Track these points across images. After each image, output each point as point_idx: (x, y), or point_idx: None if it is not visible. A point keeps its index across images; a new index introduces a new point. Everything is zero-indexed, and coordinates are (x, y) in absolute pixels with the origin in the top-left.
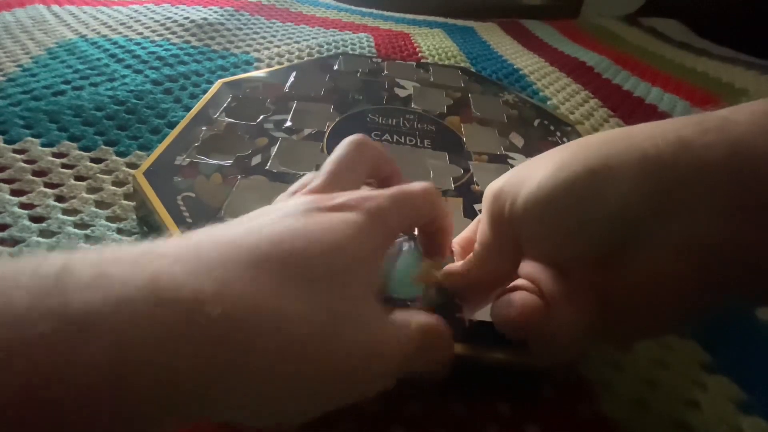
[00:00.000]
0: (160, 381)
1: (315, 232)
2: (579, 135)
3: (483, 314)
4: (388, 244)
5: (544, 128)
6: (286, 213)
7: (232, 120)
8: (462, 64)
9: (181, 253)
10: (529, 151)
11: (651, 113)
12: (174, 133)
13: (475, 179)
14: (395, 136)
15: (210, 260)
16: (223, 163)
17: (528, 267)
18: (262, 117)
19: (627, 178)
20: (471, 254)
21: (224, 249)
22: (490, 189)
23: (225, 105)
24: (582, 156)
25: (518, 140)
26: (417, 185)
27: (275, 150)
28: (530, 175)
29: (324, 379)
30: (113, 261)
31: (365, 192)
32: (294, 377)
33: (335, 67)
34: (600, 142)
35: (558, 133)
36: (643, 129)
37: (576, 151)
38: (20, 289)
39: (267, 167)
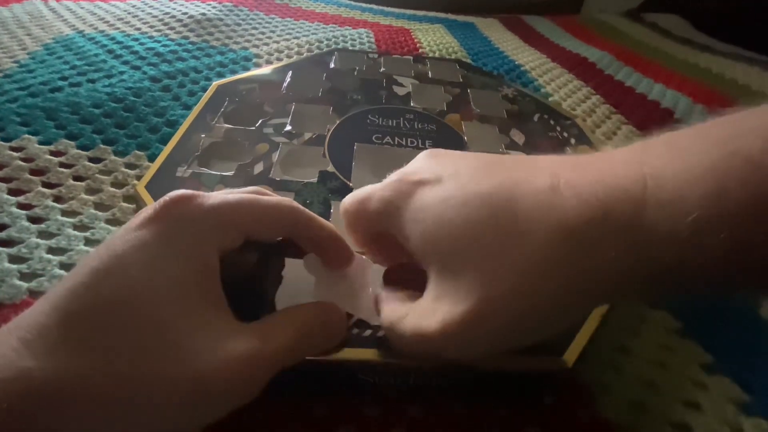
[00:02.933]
0: None
1: (106, 271)
2: (579, 128)
3: None
4: (204, 257)
5: (545, 123)
6: (93, 254)
7: (231, 126)
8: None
9: None
10: (530, 148)
11: (654, 109)
12: (173, 141)
13: None
14: (396, 138)
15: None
16: (225, 173)
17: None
18: (261, 121)
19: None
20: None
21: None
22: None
23: (222, 109)
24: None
25: (519, 137)
26: (266, 198)
27: (277, 157)
28: (445, 172)
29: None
30: None
31: (182, 194)
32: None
33: (331, 65)
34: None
35: (558, 128)
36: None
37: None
38: None
39: (270, 176)
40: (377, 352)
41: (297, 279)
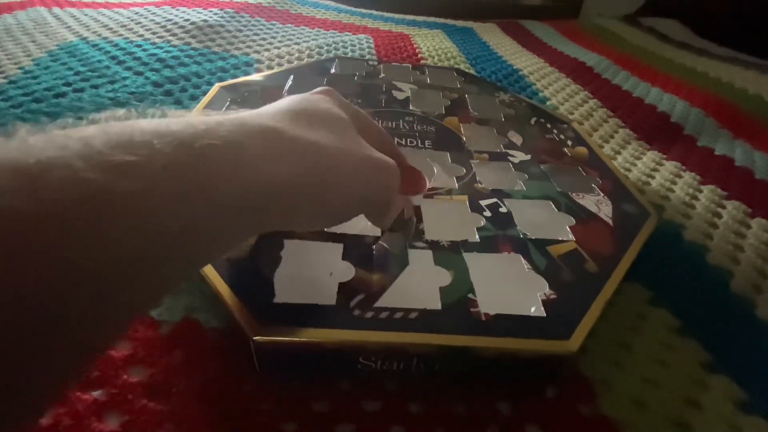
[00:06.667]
0: (257, 193)
1: (309, 101)
2: (575, 132)
3: (497, 307)
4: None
5: (541, 126)
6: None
7: None
8: (461, 65)
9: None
10: (529, 148)
11: (650, 113)
12: None
13: (477, 178)
14: (396, 139)
15: (267, 113)
16: None
17: None
18: None
19: None
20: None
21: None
22: None
23: (224, 108)
24: None
25: (517, 138)
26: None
27: None
28: None
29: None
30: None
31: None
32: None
33: (332, 71)
34: None
35: (555, 131)
36: None
37: None
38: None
39: None
40: (380, 334)
41: (295, 258)
